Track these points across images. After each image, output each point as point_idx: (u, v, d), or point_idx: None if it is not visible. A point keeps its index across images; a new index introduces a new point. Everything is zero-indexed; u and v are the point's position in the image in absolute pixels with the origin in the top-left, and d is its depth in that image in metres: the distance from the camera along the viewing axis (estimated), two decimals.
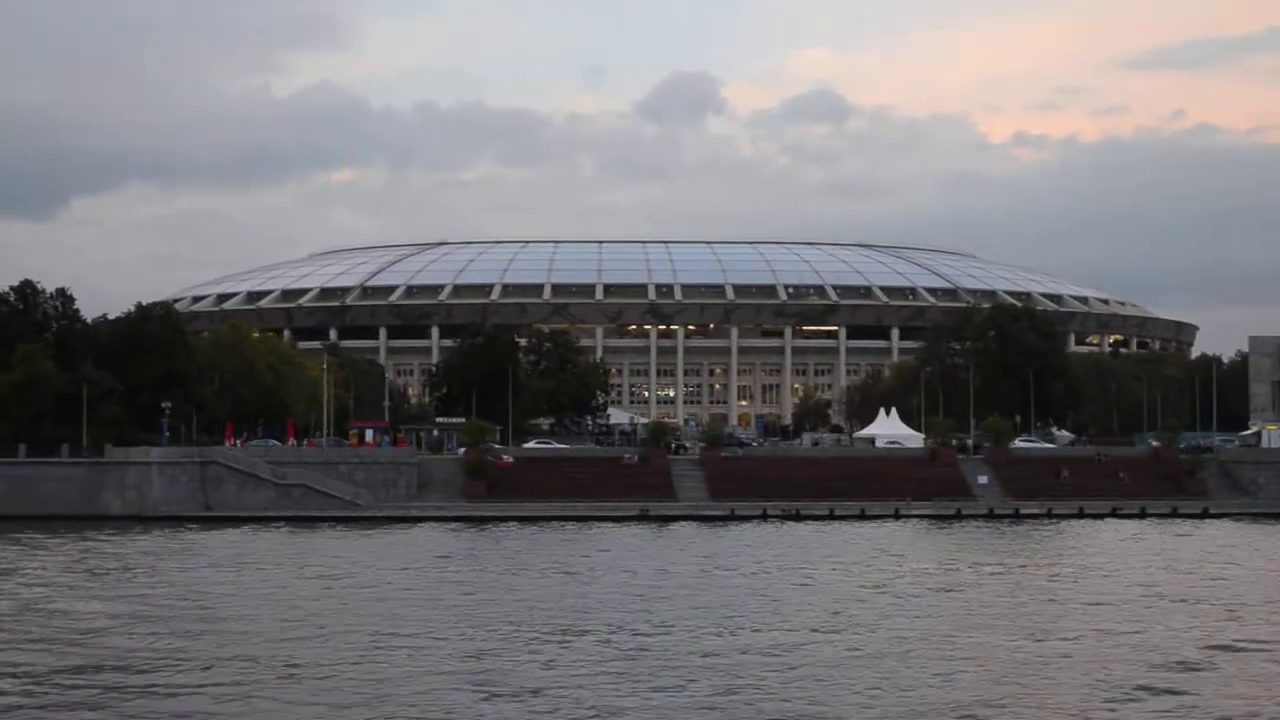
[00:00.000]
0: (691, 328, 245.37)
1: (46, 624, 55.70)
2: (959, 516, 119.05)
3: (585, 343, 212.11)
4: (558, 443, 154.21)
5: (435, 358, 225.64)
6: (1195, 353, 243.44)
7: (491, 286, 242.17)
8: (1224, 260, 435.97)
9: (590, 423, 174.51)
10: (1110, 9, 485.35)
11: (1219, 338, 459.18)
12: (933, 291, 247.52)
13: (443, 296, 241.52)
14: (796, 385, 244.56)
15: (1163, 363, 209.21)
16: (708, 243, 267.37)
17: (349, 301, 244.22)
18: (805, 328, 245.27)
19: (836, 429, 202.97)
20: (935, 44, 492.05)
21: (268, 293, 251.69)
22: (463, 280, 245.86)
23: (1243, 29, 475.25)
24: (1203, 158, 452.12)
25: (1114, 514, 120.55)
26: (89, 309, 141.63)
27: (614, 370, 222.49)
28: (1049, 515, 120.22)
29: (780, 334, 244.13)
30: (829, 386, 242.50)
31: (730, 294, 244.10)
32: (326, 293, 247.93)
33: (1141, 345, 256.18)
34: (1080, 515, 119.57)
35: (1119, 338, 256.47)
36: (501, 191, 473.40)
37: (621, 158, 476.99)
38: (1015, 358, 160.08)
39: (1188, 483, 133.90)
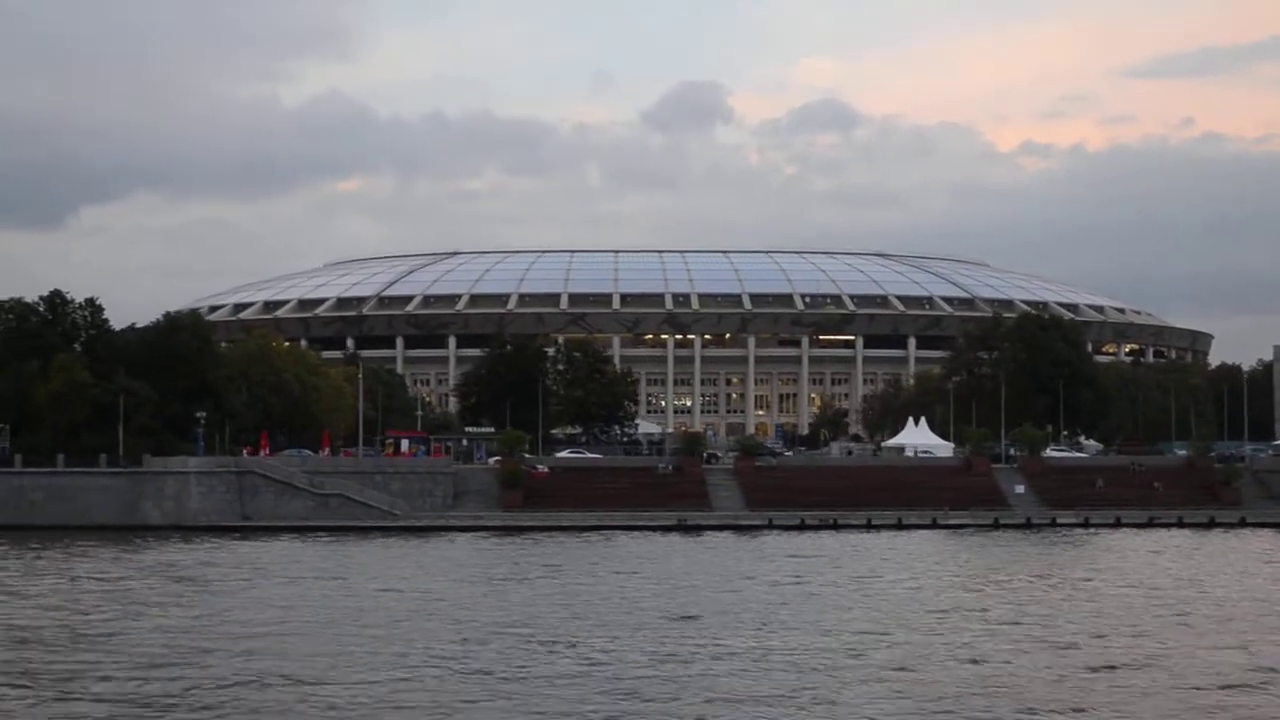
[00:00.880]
0: (708, 337, 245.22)
1: (217, 630, 56.28)
2: (997, 526, 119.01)
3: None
4: (589, 452, 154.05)
5: (453, 367, 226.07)
6: (1211, 361, 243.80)
7: (508, 296, 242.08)
8: (1232, 268, 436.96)
9: (619, 432, 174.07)
10: (1117, 18, 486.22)
11: (1229, 346, 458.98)
12: (949, 301, 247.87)
13: (460, 306, 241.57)
14: (814, 395, 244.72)
15: (1186, 372, 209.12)
16: (724, 252, 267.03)
17: (365, 311, 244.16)
18: (822, 337, 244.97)
19: (856, 438, 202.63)
20: (942, 53, 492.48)
21: (284, 302, 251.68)
22: (479, 290, 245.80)
23: (1250, 37, 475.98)
24: (1211, 166, 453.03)
25: (1151, 524, 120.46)
26: None
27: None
28: (1086, 525, 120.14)
29: (797, 343, 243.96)
30: (846, 396, 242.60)
31: (747, 303, 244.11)
32: (343, 302, 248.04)
33: (1158, 354, 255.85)
34: (1117, 525, 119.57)
35: (1135, 347, 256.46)
36: (509, 201, 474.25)
37: (628, 167, 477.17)
38: (1045, 367, 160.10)
39: (1223, 492, 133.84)
